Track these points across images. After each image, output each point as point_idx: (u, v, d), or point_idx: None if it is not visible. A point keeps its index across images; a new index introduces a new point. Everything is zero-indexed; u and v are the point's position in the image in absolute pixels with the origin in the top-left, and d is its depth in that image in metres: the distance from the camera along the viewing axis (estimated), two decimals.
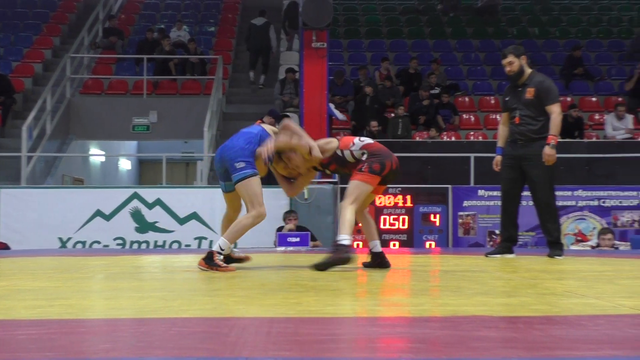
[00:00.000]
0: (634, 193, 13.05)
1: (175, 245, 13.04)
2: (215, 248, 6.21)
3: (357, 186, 6.42)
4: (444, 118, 16.70)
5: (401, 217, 12.82)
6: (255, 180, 6.26)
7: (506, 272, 6.31)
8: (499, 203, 8.39)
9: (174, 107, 18.06)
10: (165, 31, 19.64)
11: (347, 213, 6.34)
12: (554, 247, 7.96)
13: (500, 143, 8.22)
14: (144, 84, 18.06)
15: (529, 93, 7.93)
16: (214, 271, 6.08)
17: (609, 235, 11.36)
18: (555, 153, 7.88)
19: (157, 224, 13.11)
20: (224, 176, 6.41)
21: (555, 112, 7.88)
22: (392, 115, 16.34)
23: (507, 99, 8.17)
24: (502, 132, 8.21)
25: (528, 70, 8.04)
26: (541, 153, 7.86)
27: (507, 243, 8.13)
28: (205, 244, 13.02)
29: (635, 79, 17.48)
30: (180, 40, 19.43)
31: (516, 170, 8.04)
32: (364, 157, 6.47)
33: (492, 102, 17.73)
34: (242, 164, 6.22)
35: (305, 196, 13.04)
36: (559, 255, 7.86)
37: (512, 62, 7.97)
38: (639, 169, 13.98)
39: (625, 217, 12.94)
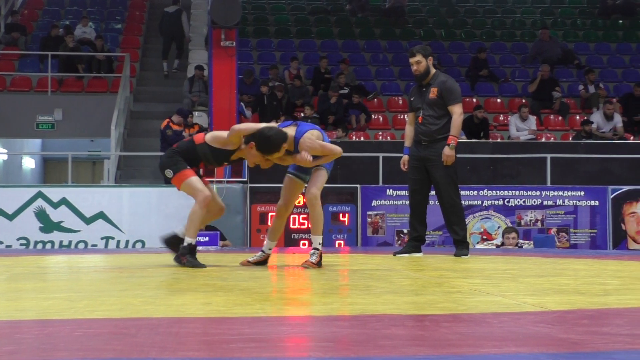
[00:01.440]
0: (537, 193, 13.35)
1: (81, 246, 12.82)
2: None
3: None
4: (355, 118, 16.78)
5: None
6: None
7: (414, 271, 6.39)
8: (407, 202, 8.48)
9: (80, 104, 17.74)
10: (70, 28, 19.26)
11: None
12: (461, 246, 8.08)
13: (407, 143, 8.29)
14: (49, 81, 17.69)
15: (433, 93, 8.00)
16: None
17: (513, 234, 11.60)
18: (455, 153, 7.98)
19: (62, 224, 12.87)
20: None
21: (456, 112, 7.98)
22: (302, 115, 16.38)
23: (412, 98, 8.25)
24: (409, 132, 8.29)
25: (433, 71, 8.14)
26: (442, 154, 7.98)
27: (415, 242, 8.22)
28: (112, 244, 12.84)
29: (538, 81, 17.91)
30: (86, 37, 19.10)
31: (422, 171, 8.13)
32: None
33: (400, 102, 17.92)
34: None
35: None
36: (465, 255, 7.99)
37: (420, 62, 8.03)
38: (541, 169, 14.31)
39: (529, 217, 13.24)
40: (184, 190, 6.60)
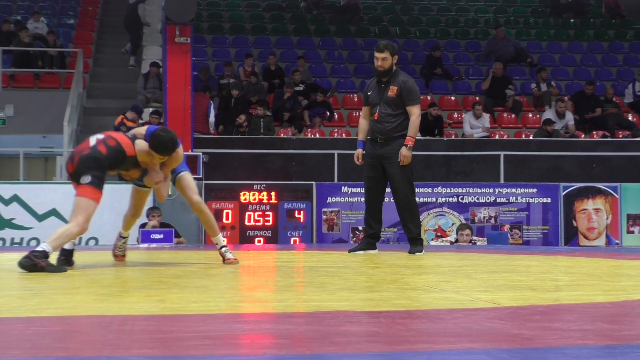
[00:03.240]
0: (490, 190, 13.47)
1: (33, 243, 12.65)
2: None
3: None
4: (319, 115, 16.74)
5: (266, 214, 12.84)
6: None
7: (369, 268, 6.41)
8: (363, 199, 8.48)
9: (32, 100, 17.52)
10: (21, 23, 19.02)
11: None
12: (415, 243, 8.11)
13: (361, 137, 8.27)
14: None
15: (392, 91, 8.00)
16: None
17: (467, 231, 11.69)
18: (411, 154, 7.99)
19: (14, 221, 12.71)
20: None
21: (415, 113, 7.99)
22: (256, 113, 16.31)
23: (369, 93, 8.21)
24: (363, 125, 8.25)
25: (393, 68, 8.12)
26: (399, 152, 7.99)
27: (370, 239, 8.24)
28: None
29: (490, 79, 18.06)
30: (38, 33, 18.87)
31: (378, 168, 8.13)
32: None
33: (355, 99, 17.95)
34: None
35: (169, 192, 12.88)
36: (420, 251, 8.02)
37: (386, 59, 7.98)
38: (495, 166, 14.43)
39: (482, 213, 13.35)
40: (76, 203, 6.01)
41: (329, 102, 17.26)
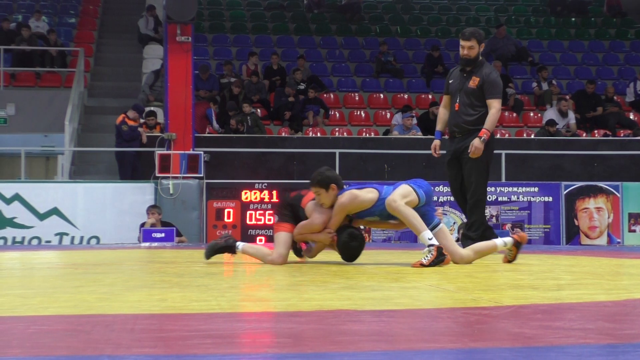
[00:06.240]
0: (492, 189, 13.44)
1: (35, 242, 12.68)
2: None
3: None
4: (315, 113, 16.72)
5: (267, 213, 12.84)
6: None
7: (371, 267, 6.40)
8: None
9: (34, 99, 17.53)
10: (22, 25, 19.01)
11: None
12: (466, 244, 7.50)
13: (439, 127, 7.86)
14: (1, 76, 17.45)
15: (473, 82, 7.59)
16: None
17: None
18: (483, 147, 7.51)
19: (15, 220, 12.72)
20: None
21: (495, 107, 7.55)
22: (243, 111, 16.23)
23: (451, 81, 7.77)
24: (443, 115, 7.84)
25: (479, 58, 7.70)
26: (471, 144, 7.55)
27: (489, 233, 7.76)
28: (66, 240, 12.71)
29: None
30: (39, 32, 18.87)
31: (456, 165, 7.75)
32: None
33: (357, 98, 17.94)
34: None
35: (171, 191, 12.89)
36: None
37: (473, 47, 7.56)
38: (496, 165, 14.40)
39: None
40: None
41: (322, 100, 17.23)
